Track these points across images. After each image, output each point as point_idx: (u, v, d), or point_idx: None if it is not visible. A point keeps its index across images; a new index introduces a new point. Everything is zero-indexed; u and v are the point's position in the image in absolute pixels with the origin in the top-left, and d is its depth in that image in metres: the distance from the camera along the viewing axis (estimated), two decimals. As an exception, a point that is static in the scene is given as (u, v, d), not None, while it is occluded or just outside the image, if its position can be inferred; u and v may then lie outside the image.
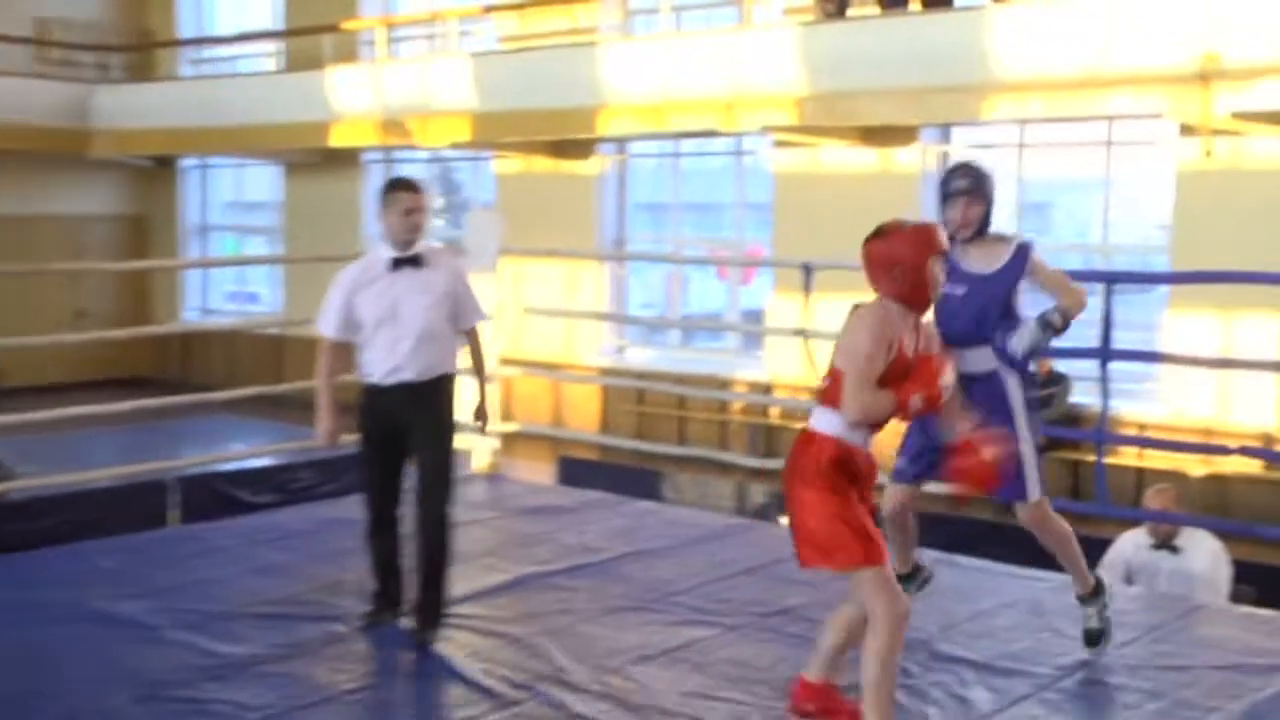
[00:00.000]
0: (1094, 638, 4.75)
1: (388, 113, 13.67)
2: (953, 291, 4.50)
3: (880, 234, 3.81)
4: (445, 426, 4.89)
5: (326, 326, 4.92)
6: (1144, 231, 11.56)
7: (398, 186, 4.89)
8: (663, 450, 11.15)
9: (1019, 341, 4.53)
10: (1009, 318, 4.56)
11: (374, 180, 15.39)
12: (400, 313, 4.84)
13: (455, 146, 13.64)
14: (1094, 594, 4.75)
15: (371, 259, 4.95)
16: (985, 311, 4.53)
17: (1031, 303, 4.63)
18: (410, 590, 4.95)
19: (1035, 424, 4.58)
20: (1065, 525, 4.65)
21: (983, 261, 4.57)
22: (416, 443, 4.86)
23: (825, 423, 3.81)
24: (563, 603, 5.35)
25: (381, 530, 4.97)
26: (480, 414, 5.19)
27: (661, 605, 5.31)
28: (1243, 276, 7.70)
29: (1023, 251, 4.55)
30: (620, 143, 13.35)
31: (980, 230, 4.58)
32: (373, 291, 4.87)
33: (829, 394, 3.81)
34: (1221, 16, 8.65)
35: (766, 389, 12.03)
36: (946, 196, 4.60)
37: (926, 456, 4.57)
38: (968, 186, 4.58)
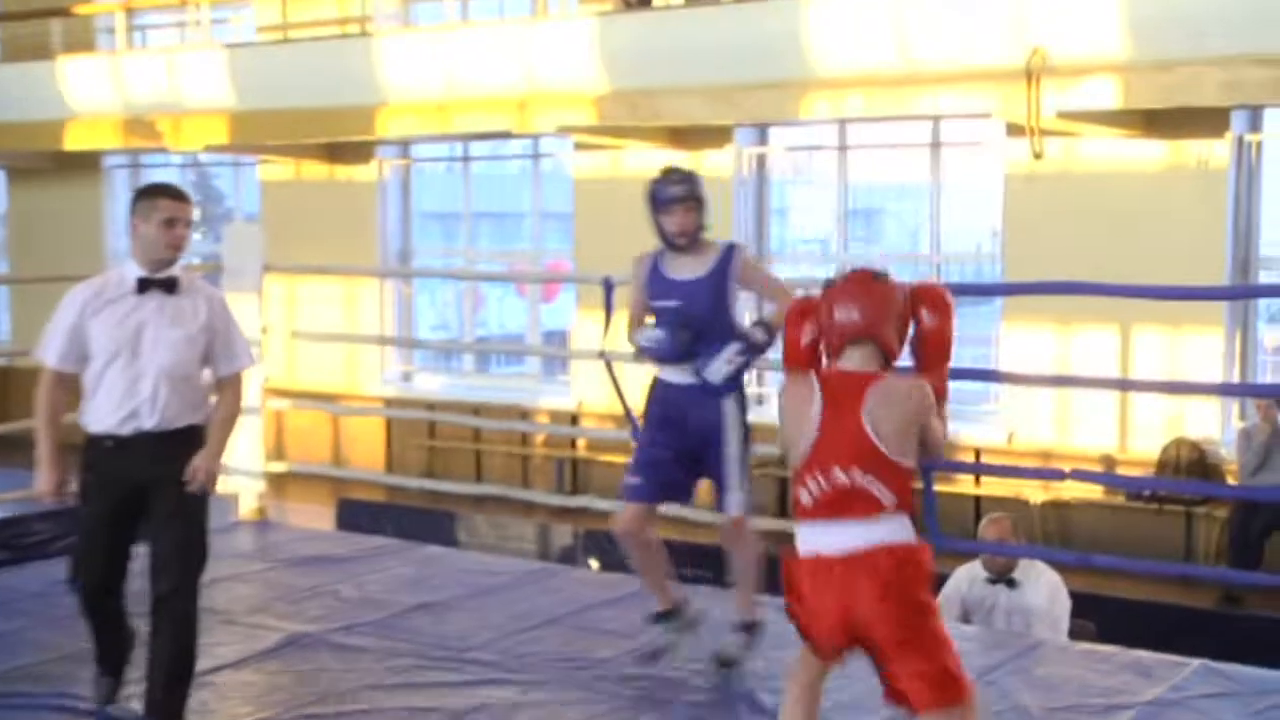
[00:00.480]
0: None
1: (132, 111, 13.43)
2: (665, 305, 4.83)
3: (880, 277, 3.81)
4: (194, 495, 4.41)
5: (49, 354, 4.44)
6: (976, 238, 11.99)
7: (157, 192, 4.50)
8: (456, 489, 11.12)
9: (715, 370, 4.83)
10: (724, 330, 4.84)
11: (117, 188, 15.08)
12: (142, 346, 4.41)
13: (212, 150, 13.45)
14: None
15: (112, 277, 4.53)
16: (697, 323, 4.80)
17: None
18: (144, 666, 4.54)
19: (748, 444, 4.92)
20: (758, 548, 5.02)
21: (689, 270, 4.87)
22: (156, 512, 4.39)
23: (903, 530, 3.60)
24: (343, 664, 5.32)
25: (102, 604, 4.56)
26: (201, 475, 4.43)
27: (454, 663, 5.32)
28: (1079, 288, 7.93)
29: (730, 253, 4.85)
30: (403, 145, 13.32)
31: (695, 238, 4.88)
32: (111, 316, 4.43)
33: (899, 492, 3.59)
34: (1048, 11, 9.04)
35: (573, 419, 12.09)
36: (664, 203, 4.86)
37: (666, 469, 4.87)
38: (685, 193, 4.87)
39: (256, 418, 8.13)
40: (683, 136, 11.40)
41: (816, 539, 3.61)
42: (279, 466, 9.19)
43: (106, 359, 4.42)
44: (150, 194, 4.52)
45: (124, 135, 13.58)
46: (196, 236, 15.15)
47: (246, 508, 7.94)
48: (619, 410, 8.42)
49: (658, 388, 5.04)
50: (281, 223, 12.86)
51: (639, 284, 5.04)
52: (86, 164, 14.97)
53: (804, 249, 12.85)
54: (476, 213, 13.57)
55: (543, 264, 13.12)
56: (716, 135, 11.33)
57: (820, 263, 11.45)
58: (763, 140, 11.57)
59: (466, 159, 13.38)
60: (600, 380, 9.41)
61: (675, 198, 4.86)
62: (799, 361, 3.89)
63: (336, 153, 13.35)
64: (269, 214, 13.78)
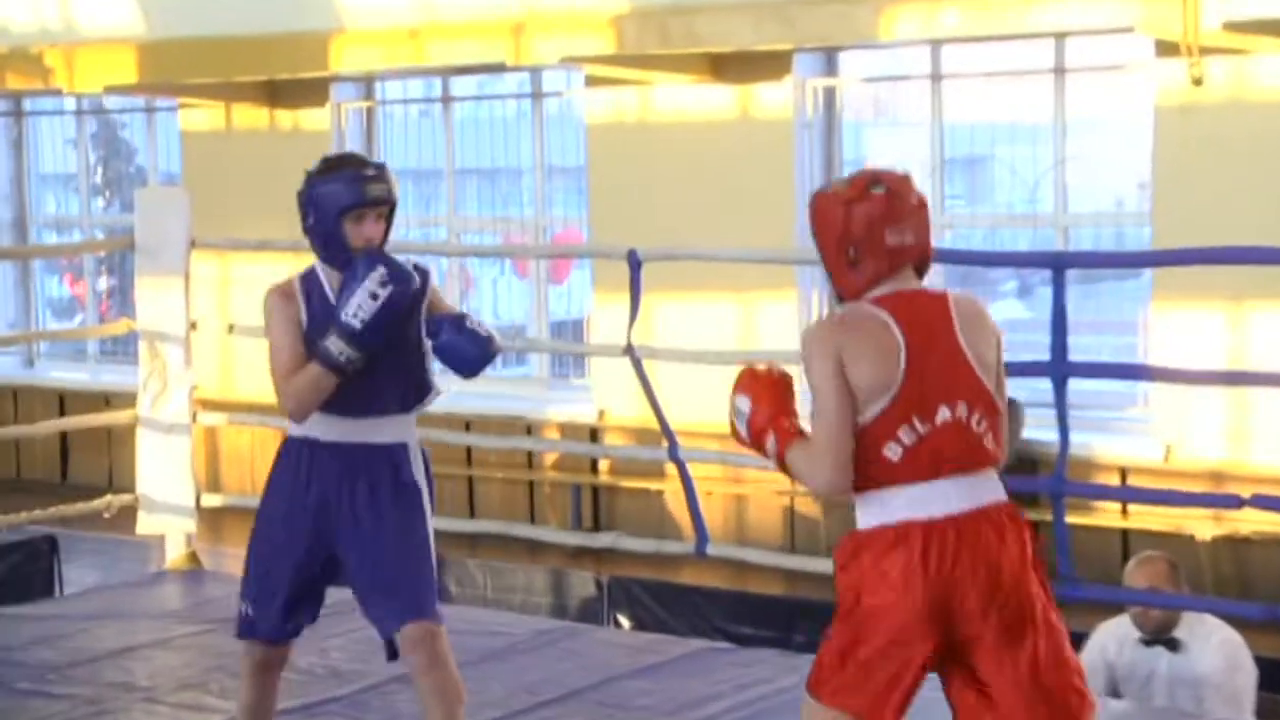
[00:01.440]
0: None
1: (9, 41, 13.48)
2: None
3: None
4: None
5: None
6: (1116, 193, 11.88)
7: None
8: (444, 525, 11.03)
9: None
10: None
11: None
12: None
13: (117, 91, 13.48)
14: None
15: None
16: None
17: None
18: None
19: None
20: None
21: None
22: None
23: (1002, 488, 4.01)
24: (301, 758, 5.28)
25: None
26: None
27: (447, 755, 5.26)
28: (1255, 254, 7.83)
29: (421, 273, 5.08)
30: (365, 83, 13.30)
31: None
32: None
33: (1000, 447, 4.01)
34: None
35: (592, 433, 12.05)
36: (350, 207, 4.98)
37: (309, 603, 5.07)
38: (388, 194, 5.08)
39: (184, 437, 8.09)
40: (726, 67, 11.34)
41: (928, 498, 3.85)
42: (214, 500, 9.17)
43: None
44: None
45: (0, 73, 13.56)
46: (98, 203, 15.21)
47: (174, 553, 7.94)
48: (649, 421, 8.38)
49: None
50: (209, 185, 12.80)
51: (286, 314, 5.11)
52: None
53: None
54: (462, 170, 13.54)
55: (549, 235, 13.07)
56: (771, 64, 11.25)
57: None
58: (831, 69, 11.48)
59: (447, 100, 13.34)
60: (627, 383, 9.33)
61: (376, 198, 5.04)
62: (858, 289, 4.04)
63: (279, 93, 13.33)
64: (193, 174, 13.76)
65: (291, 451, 4.99)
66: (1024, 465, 9.87)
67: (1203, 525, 9.98)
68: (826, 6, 10.09)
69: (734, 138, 11.41)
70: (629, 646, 6.86)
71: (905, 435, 3.84)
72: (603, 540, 9.70)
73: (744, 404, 4.06)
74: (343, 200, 4.97)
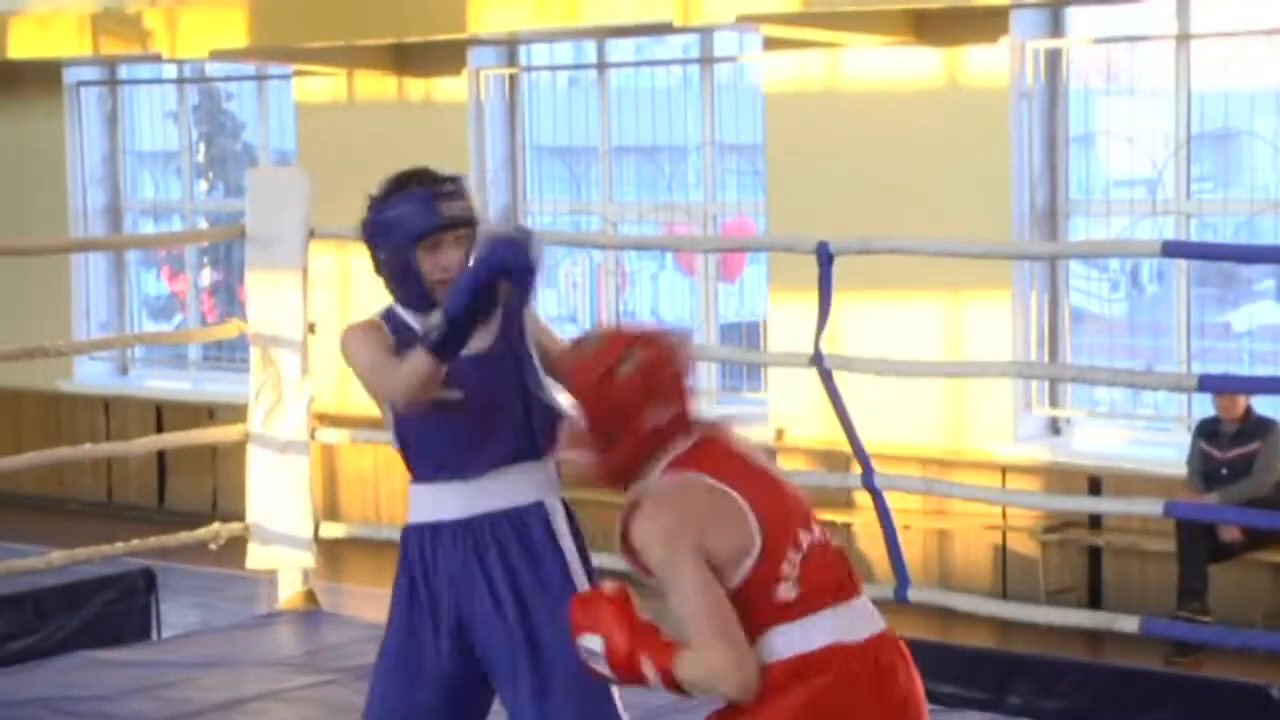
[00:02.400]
0: None
1: (104, 2, 13.57)
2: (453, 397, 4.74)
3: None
4: None
5: None
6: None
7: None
8: (605, 559, 11.09)
9: None
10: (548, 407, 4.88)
11: (87, 113, 15.30)
12: None
13: (223, 57, 13.63)
14: None
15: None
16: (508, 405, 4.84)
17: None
18: None
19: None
20: None
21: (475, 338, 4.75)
22: None
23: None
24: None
25: None
26: None
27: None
28: None
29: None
30: (508, 48, 13.37)
31: None
32: None
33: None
34: None
35: (770, 455, 12.00)
36: (426, 233, 4.80)
37: None
38: (467, 212, 4.88)
39: (301, 457, 8.16)
40: (931, 26, 11.30)
41: (829, 627, 3.97)
42: (334, 529, 9.22)
43: None
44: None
45: (93, 37, 13.79)
46: (202, 186, 15.37)
47: (288, 591, 7.99)
48: (838, 442, 8.33)
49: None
50: (329, 165, 12.90)
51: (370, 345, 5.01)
52: (40, 77, 15.24)
53: (1121, 195, 12.61)
54: (619, 148, 13.57)
55: (718, 224, 13.07)
56: (984, 23, 11.20)
57: (1148, 215, 11.24)
58: (1056, 28, 11.41)
59: (602, 66, 13.39)
60: (811, 398, 9.31)
61: (456, 219, 4.87)
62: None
63: (408, 59, 13.44)
64: (310, 153, 13.89)
65: (410, 543, 4.93)
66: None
67: None
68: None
69: (939, 110, 11.36)
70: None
71: (789, 569, 3.97)
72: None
73: (594, 643, 4.00)
74: (416, 225, 4.84)
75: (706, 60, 12.87)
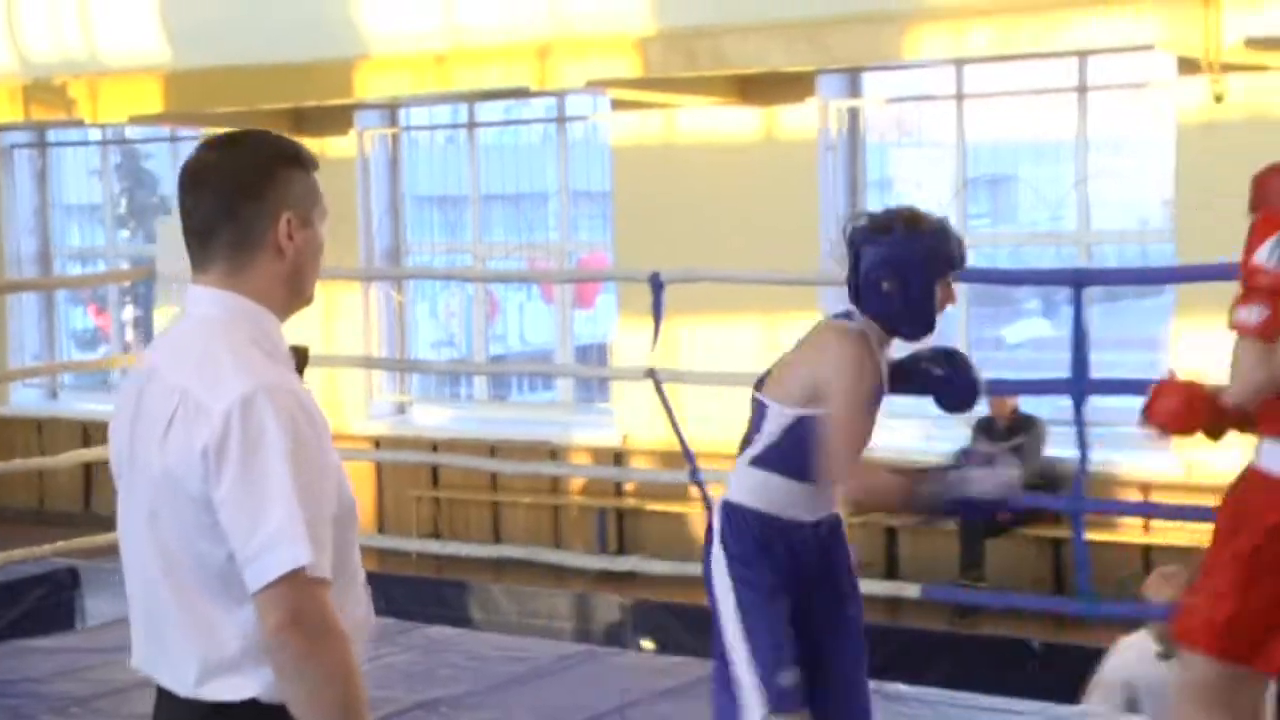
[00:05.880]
0: None
1: (33, 73, 13.53)
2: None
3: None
4: None
5: None
6: (1139, 212, 11.92)
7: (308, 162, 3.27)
8: (468, 551, 11.13)
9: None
10: None
11: (18, 174, 15.19)
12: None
13: (141, 122, 13.56)
14: None
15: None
16: None
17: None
18: None
19: None
20: None
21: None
22: None
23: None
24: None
25: None
26: None
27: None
28: None
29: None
30: (390, 110, 13.39)
31: None
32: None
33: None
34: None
35: (616, 457, 12.11)
36: (952, 268, 4.59)
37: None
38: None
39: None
40: (751, 89, 11.40)
41: None
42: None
43: None
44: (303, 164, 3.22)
45: (24, 105, 13.68)
46: (122, 234, 15.29)
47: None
48: (674, 444, 8.43)
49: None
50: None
51: (867, 377, 4.62)
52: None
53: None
54: (487, 195, 13.60)
55: (574, 260, 13.15)
56: (794, 86, 11.30)
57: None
58: (855, 90, 11.56)
59: (473, 125, 13.43)
60: (650, 406, 9.42)
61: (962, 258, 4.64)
62: None
63: (303, 121, 13.41)
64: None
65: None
66: (1046, 483, 9.96)
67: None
68: (853, 27, 10.11)
69: (758, 160, 11.47)
70: (654, 669, 6.88)
71: None
72: (627, 564, 9.75)
73: None
74: (948, 261, 4.57)
75: (562, 120, 12.95)
